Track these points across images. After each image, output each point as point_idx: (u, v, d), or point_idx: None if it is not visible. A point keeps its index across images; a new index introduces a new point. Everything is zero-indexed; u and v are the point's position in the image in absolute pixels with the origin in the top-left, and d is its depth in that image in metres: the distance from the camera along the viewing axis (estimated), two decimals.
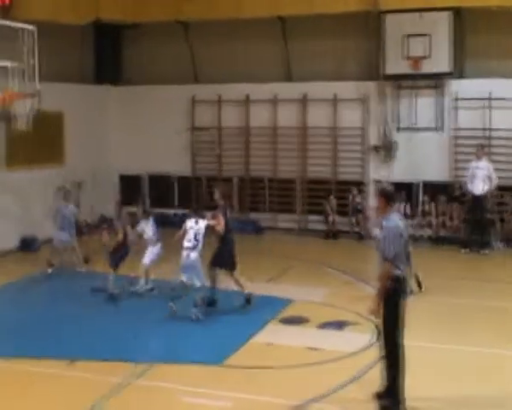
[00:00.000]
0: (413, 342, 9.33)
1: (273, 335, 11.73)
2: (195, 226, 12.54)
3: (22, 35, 14.03)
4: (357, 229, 20.16)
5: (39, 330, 12.03)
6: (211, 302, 12.96)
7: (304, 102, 21.09)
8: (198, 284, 12.42)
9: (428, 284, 14.00)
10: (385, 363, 8.77)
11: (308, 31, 21.01)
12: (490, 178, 17.98)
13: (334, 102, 20.75)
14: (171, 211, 21.84)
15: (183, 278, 12.45)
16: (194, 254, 12.39)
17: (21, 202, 18.19)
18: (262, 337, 11.60)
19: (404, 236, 8.74)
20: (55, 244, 16.04)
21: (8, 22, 14.48)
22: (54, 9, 18.59)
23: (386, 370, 8.72)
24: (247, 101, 21.70)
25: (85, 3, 19.94)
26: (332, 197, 20.54)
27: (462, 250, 18.18)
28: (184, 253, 12.44)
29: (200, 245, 12.48)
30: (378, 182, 18.67)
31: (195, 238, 12.45)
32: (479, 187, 18.01)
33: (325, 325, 12.13)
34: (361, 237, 19.91)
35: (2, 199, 17.78)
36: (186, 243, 12.47)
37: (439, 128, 19.88)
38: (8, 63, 13.74)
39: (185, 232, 12.57)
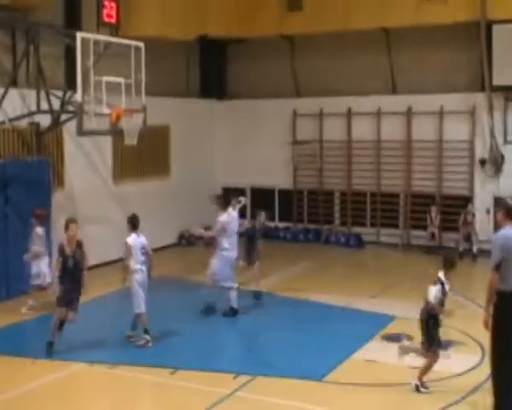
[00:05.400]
0: None
1: (375, 352, 11.51)
2: None
3: (130, 52, 14.46)
4: (463, 245, 19.40)
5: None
6: None
7: (408, 114, 20.74)
8: None
9: None
10: (492, 384, 8.45)
11: (413, 42, 20.68)
12: None
13: (440, 114, 20.30)
14: (272, 224, 22.00)
15: None
16: None
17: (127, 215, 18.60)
18: (364, 354, 11.41)
19: None
20: None
21: (116, 39, 14.98)
22: (162, 25, 19.11)
23: (494, 392, 8.40)
24: (349, 114, 21.55)
25: (192, 19, 20.38)
26: (434, 209, 19.93)
27: None
28: None
29: None
30: (498, 198, 18.07)
31: None
32: None
33: None
34: (465, 253, 19.02)
35: (110, 212, 18.21)
36: None
37: None
38: (116, 79, 14.17)
39: None
